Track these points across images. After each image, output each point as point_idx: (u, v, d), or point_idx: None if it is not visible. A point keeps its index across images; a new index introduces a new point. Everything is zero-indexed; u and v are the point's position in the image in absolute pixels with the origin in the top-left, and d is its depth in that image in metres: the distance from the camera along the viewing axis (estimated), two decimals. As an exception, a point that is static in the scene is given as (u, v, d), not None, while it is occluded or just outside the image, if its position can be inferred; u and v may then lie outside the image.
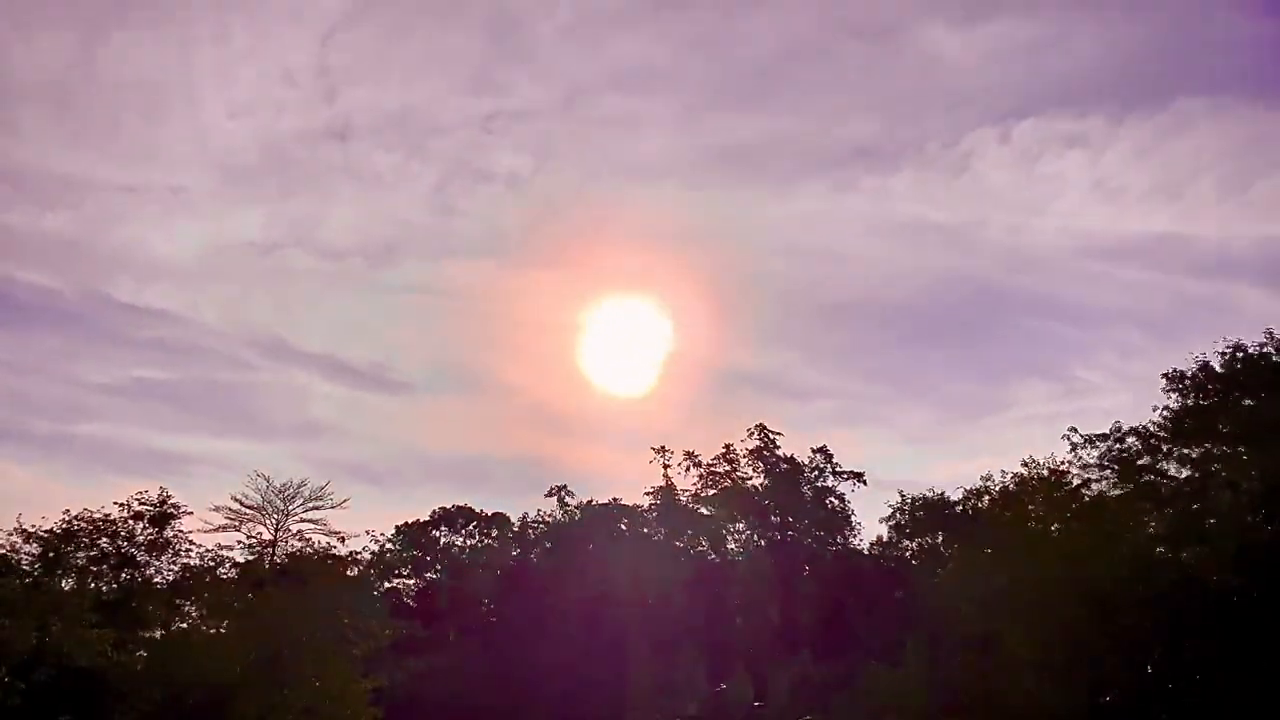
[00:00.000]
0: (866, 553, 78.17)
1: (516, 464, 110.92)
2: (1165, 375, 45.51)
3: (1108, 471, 46.42)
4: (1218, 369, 44.35)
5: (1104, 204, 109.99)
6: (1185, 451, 44.43)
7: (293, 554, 54.81)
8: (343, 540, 57.36)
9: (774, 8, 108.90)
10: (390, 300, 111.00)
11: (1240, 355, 44.04)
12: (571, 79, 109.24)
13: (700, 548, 79.72)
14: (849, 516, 78.80)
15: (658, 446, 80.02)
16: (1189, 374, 44.92)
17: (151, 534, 52.26)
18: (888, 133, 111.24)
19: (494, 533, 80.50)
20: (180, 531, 53.10)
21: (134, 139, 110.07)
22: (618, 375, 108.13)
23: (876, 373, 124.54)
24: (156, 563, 52.38)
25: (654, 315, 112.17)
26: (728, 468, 79.49)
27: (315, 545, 55.86)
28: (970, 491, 65.97)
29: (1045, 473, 46.98)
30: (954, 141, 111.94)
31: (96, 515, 50.55)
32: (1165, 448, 45.33)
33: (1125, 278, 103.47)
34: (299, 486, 54.87)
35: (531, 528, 79.62)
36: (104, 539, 50.51)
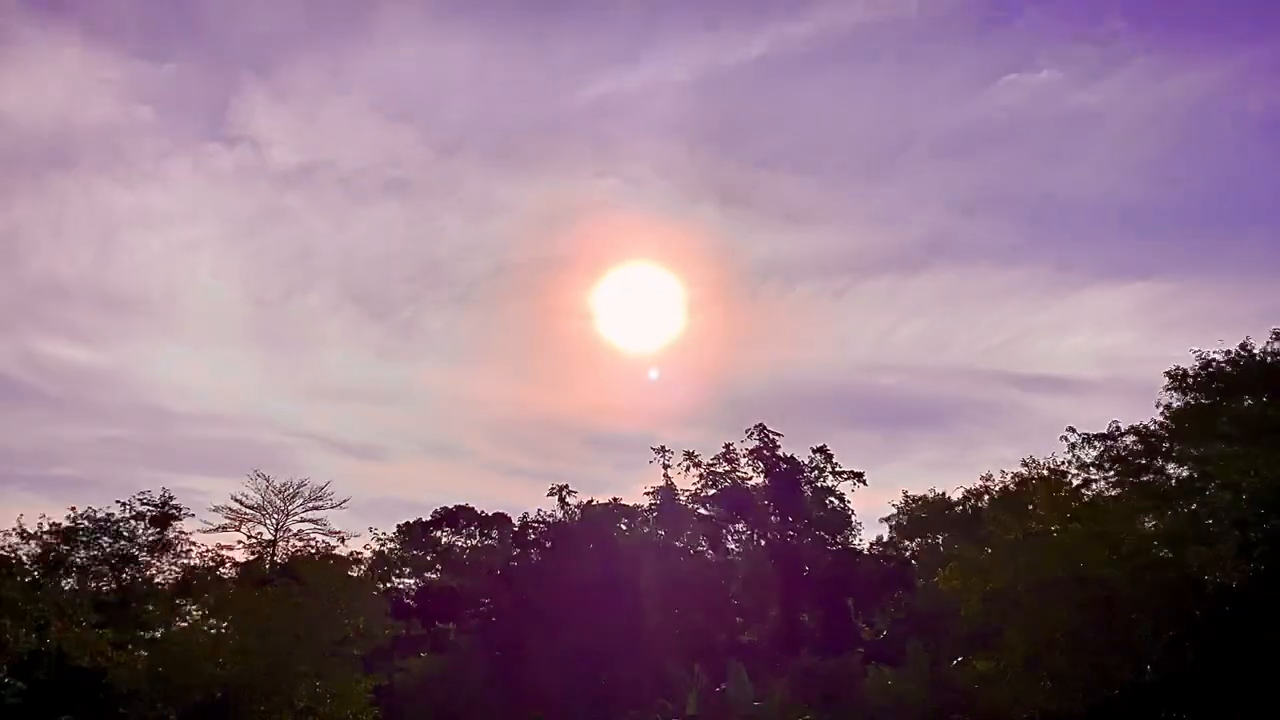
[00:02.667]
0: (866, 553, 78.30)
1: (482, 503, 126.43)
2: (1168, 374, 45.39)
3: (1109, 471, 46.33)
4: (1223, 367, 44.22)
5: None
6: (1186, 451, 44.30)
7: (293, 554, 54.89)
8: (343, 540, 57.54)
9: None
10: (372, 406, 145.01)
11: (1244, 355, 43.94)
12: (492, 261, 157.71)
13: (700, 548, 79.74)
14: (849, 516, 78.81)
15: (658, 447, 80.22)
16: (1191, 372, 44.77)
17: (153, 534, 52.34)
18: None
19: (494, 533, 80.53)
20: (182, 533, 53.20)
21: (152, 308, 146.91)
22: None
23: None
24: (158, 563, 52.44)
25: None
26: (728, 467, 79.45)
27: (315, 545, 55.96)
28: (970, 491, 66.16)
29: (1045, 473, 46.97)
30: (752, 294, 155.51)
31: (99, 514, 50.68)
32: (1165, 447, 45.23)
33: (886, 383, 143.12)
34: (299, 486, 55.09)
35: (532, 527, 79.63)
36: (105, 538, 50.60)
